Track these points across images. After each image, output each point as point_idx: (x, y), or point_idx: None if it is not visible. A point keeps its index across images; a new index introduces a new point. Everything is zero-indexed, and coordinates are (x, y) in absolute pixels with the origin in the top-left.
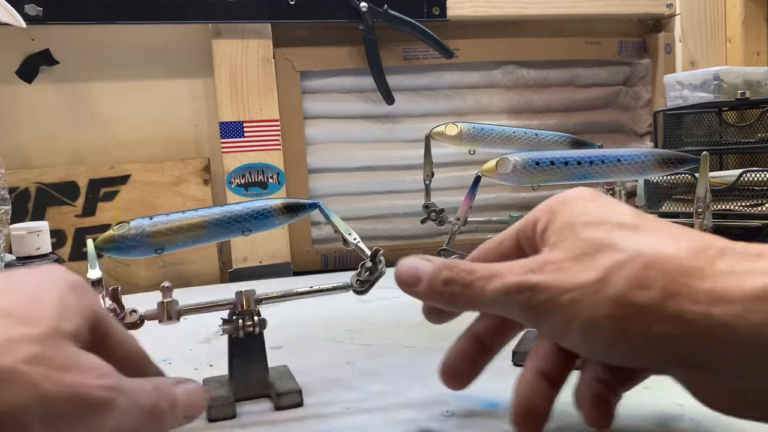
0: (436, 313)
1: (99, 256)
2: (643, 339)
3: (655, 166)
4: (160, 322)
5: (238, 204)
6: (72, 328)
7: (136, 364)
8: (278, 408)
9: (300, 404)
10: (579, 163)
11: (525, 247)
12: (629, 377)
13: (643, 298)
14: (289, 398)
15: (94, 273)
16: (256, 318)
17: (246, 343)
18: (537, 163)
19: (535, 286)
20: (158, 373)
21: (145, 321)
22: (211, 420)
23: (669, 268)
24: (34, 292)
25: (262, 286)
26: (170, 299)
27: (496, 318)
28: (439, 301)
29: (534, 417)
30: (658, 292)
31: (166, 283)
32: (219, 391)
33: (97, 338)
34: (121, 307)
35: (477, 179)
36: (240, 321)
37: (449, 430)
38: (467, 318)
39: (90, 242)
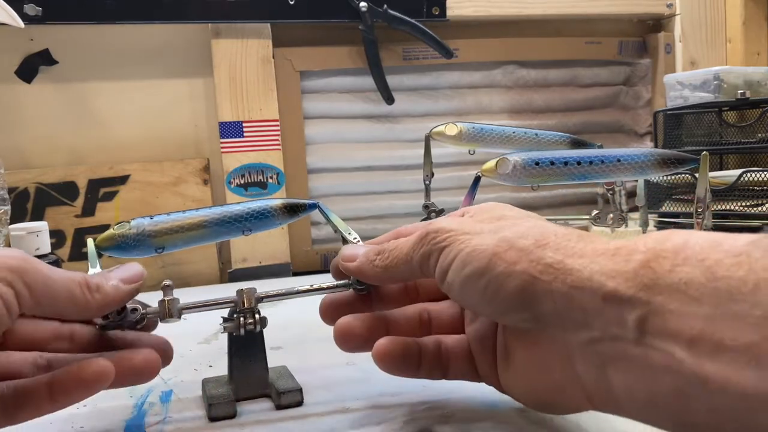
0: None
1: (99, 255)
2: (507, 272)
3: (655, 166)
4: (161, 320)
5: (238, 204)
6: None
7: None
8: (279, 407)
9: (300, 403)
10: (579, 163)
11: None
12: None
13: (519, 242)
14: (289, 397)
15: (95, 272)
16: (257, 316)
17: (246, 342)
18: (537, 163)
19: (439, 228)
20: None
21: (146, 318)
22: (212, 419)
23: (546, 231)
24: None
25: (262, 287)
26: (171, 297)
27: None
28: (368, 269)
29: (349, 334)
30: (532, 240)
31: (167, 282)
32: (219, 390)
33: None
34: (123, 308)
35: (477, 179)
36: (241, 319)
37: (449, 431)
38: None
39: (90, 241)
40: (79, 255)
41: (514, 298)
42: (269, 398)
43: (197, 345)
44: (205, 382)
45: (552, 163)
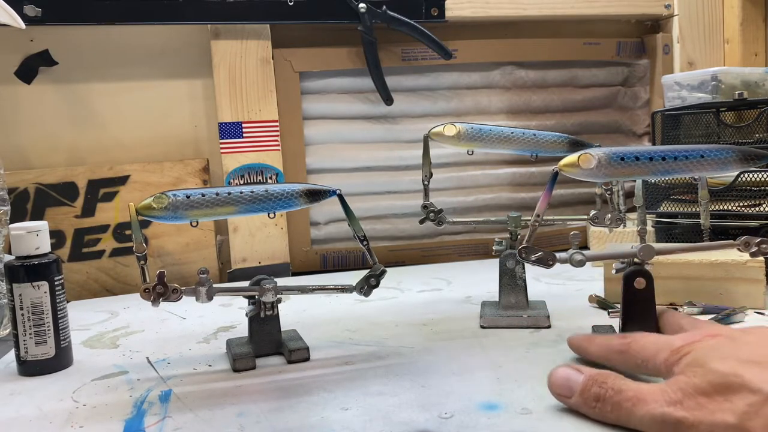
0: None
1: (142, 224)
2: None
3: (736, 162)
4: (197, 300)
5: (264, 186)
6: None
7: None
8: (290, 362)
9: (308, 359)
10: (663, 158)
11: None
12: None
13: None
14: (298, 354)
15: (140, 247)
16: (275, 308)
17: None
18: (622, 159)
19: (679, 421)
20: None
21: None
22: (236, 371)
23: None
24: None
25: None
26: (208, 283)
27: None
28: (590, 413)
29: None
30: None
31: (202, 268)
32: (242, 348)
33: None
34: (166, 286)
35: (555, 175)
36: (262, 306)
37: (448, 431)
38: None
39: (132, 209)
40: (78, 255)
41: None
42: (282, 355)
43: (197, 344)
44: (230, 342)
45: (637, 159)
